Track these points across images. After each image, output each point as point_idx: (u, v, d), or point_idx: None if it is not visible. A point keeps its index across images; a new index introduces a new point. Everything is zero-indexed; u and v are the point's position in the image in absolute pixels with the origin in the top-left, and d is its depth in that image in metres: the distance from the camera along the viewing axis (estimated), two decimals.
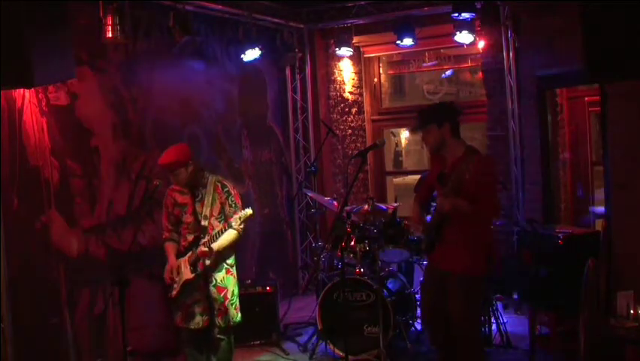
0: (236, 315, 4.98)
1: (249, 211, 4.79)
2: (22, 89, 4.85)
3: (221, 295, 4.89)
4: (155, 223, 5.99)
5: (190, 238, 4.93)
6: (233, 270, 5.03)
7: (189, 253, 4.89)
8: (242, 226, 4.84)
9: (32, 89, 4.94)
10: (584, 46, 4.13)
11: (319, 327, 5.70)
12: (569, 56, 5.76)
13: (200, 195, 4.93)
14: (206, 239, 4.81)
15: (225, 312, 4.90)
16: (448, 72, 9.61)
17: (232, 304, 4.95)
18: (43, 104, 5.12)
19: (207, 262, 4.84)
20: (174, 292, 4.90)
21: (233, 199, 4.97)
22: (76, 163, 5.37)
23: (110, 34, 5.34)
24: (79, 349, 5.28)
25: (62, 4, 4.21)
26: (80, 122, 5.44)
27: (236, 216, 4.77)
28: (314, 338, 5.97)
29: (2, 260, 4.66)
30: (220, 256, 4.90)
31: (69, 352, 5.20)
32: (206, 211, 4.87)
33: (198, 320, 4.88)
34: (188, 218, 4.93)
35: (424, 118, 4.47)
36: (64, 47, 4.25)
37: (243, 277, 6.36)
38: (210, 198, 4.89)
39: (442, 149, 4.47)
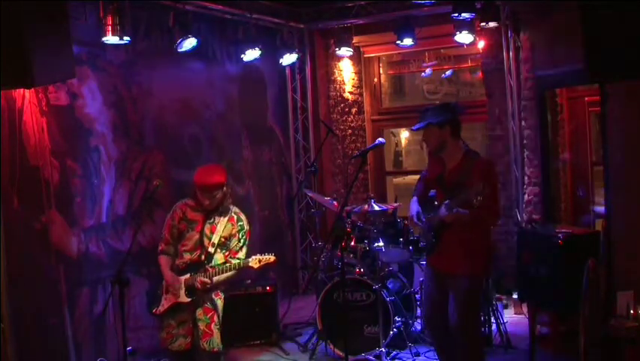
0: (220, 341, 4.74)
1: (271, 258, 4.64)
2: (22, 89, 4.85)
3: (208, 317, 4.69)
4: (155, 223, 5.99)
5: (187, 257, 4.71)
6: (222, 294, 4.83)
7: (187, 275, 4.65)
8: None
9: (32, 89, 4.94)
10: (584, 46, 4.13)
11: (319, 327, 5.70)
12: (569, 56, 5.76)
13: (212, 219, 4.72)
14: (210, 271, 4.61)
15: (210, 335, 4.67)
16: (449, 72, 9.62)
17: (218, 329, 4.71)
18: (43, 104, 5.12)
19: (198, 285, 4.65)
20: (161, 309, 4.68)
21: (244, 235, 4.77)
22: (76, 163, 5.38)
23: (110, 34, 5.34)
24: (79, 349, 5.28)
25: (62, 4, 4.21)
26: (80, 122, 5.44)
27: (255, 257, 4.61)
28: (314, 338, 5.97)
29: (2, 260, 4.66)
30: (216, 288, 4.75)
31: (69, 352, 5.21)
32: (215, 239, 4.69)
33: (181, 342, 4.65)
34: (192, 236, 4.71)
35: (425, 118, 4.42)
36: (64, 47, 4.25)
37: (243, 276, 6.36)
38: (223, 227, 4.71)
39: (442, 150, 4.43)
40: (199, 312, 4.68)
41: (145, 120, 6.07)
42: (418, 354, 5.60)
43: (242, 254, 4.76)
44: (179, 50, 6.08)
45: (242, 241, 4.77)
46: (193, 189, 4.75)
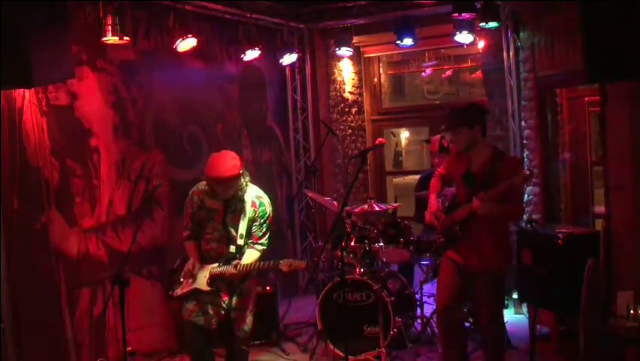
0: (252, 324, 4.68)
1: (302, 264, 4.47)
2: (22, 89, 4.85)
3: (243, 305, 4.61)
4: (155, 223, 6.00)
5: (214, 245, 4.57)
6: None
7: (215, 265, 4.51)
8: (265, 248, 4.61)
9: (32, 89, 4.94)
10: (583, 46, 4.14)
11: (319, 327, 5.70)
12: (569, 56, 5.76)
13: (233, 206, 4.54)
14: (243, 263, 4.46)
15: (244, 322, 4.59)
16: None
17: (252, 314, 4.65)
18: (43, 104, 5.12)
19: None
20: (178, 292, 4.58)
21: (266, 220, 4.59)
22: (76, 163, 5.37)
23: (110, 34, 5.34)
24: (79, 349, 5.28)
25: (62, 4, 4.22)
26: (80, 122, 5.44)
27: (286, 260, 4.43)
28: (314, 338, 5.96)
29: (2, 260, 4.66)
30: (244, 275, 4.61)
31: (69, 352, 5.21)
32: (243, 230, 4.52)
33: (207, 320, 4.50)
34: (215, 226, 4.56)
35: (455, 119, 4.49)
36: (64, 46, 4.25)
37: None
38: (246, 215, 4.53)
39: (471, 149, 4.52)
40: (235, 300, 4.55)
41: (145, 120, 6.07)
42: (418, 354, 5.60)
43: (265, 240, 4.61)
44: (179, 50, 6.08)
45: (264, 227, 4.58)
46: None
